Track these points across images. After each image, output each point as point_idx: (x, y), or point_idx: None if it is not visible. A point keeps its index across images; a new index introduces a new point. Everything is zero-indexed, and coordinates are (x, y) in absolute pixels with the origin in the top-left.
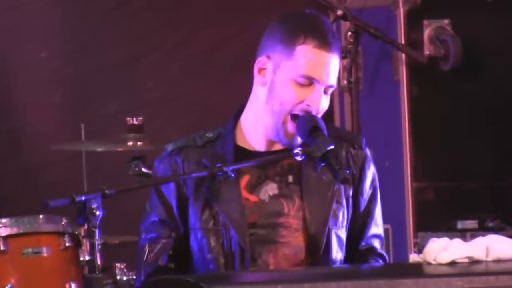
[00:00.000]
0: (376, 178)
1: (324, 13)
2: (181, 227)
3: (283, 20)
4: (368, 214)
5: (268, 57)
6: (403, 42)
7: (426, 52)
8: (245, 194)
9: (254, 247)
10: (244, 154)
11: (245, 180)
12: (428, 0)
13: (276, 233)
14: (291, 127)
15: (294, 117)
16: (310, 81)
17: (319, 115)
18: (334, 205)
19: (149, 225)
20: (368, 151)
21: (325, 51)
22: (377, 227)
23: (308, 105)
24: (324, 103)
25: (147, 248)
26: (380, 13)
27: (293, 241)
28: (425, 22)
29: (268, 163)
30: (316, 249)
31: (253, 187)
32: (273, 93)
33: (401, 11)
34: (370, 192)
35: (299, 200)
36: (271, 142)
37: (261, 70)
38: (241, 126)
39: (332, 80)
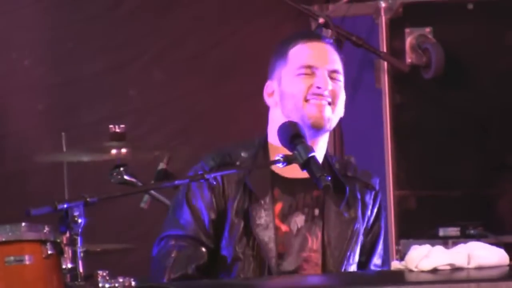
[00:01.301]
0: (384, 217)
1: (306, 21)
2: (212, 243)
3: (278, 43)
4: (373, 249)
5: (271, 78)
6: (385, 50)
7: (408, 60)
8: (278, 222)
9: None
10: (277, 179)
11: (278, 207)
12: (410, 8)
13: (299, 266)
14: (309, 109)
15: (313, 101)
16: (310, 70)
17: (335, 100)
18: (352, 244)
19: (178, 236)
20: (380, 192)
21: (315, 41)
22: (378, 259)
23: (318, 87)
24: (335, 87)
25: (174, 254)
26: (362, 21)
27: (313, 274)
28: (407, 30)
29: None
30: None
31: (285, 217)
32: (284, 99)
33: (383, 19)
34: (377, 230)
35: (321, 234)
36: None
37: (269, 94)
38: (269, 151)
39: (333, 64)
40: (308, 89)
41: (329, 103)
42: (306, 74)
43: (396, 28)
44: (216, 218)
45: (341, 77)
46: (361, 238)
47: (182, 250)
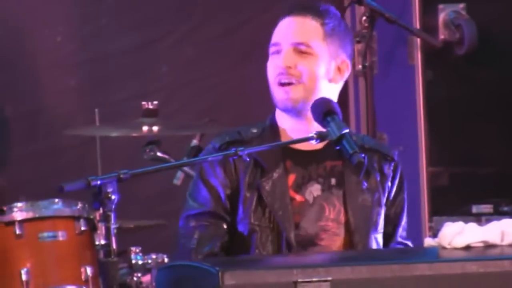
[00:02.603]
0: (406, 188)
1: None
2: (230, 217)
3: None
4: (398, 221)
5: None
6: (418, 26)
7: (441, 36)
8: (292, 193)
9: (298, 248)
10: (288, 152)
11: (291, 179)
12: None
13: (316, 236)
14: (277, 93)
15: (280, 84)
16: (276, 48)
17: (297, 79)
18: (375, 213)
19: (198, 214)
20: (400, 163)
21: (287, 16)
22: (404, 232)
23: (281, 67)
24: (302, 63)
25: (197, 235)
26: None
27: (332, 244)
28: (440, 6)
29: (308, 161)
30: None
31: (300, 187)
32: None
33: None
34: (401, 202)
35: (339, 204)
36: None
37: None
38: (278, 121)
39: (298, 37)
40: (275, 70)
41: (298, 82)
42: (274, 53)
43: (429, 4)
44: (230, 194)
45: (312, 50)
46: (383, 208)
47: (204, 230)
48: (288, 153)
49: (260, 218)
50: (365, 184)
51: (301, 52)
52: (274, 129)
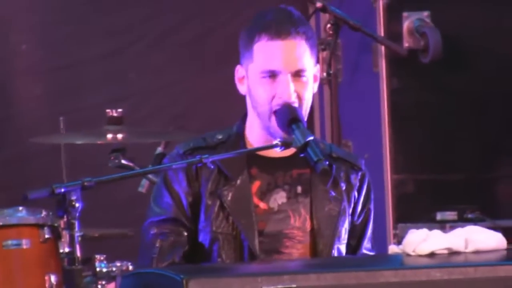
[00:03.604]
0: (372, 199)
1: (303, 5)
2: (192, 225)
3: (245, 26)
4: (364, 233)
5: (241, 64)
6: (382, 34)
7: (406, 44)
8: (256, 200)
9: (261, 255)
10: (254, 159)
11: (256, 186)
12: None
13: (280, 243)
14: (274, 121)
15: (275, 112)
16: (272, 74)
17: (298, 104)
18: (340, 222)
19: (160, 221)
20: (367, 173)
21: (278, 40)
22: (369, 243)
23: (280, 98)
24: (300, 90)
25: (159, 244)
26: (360, 5)
27: (296, 252)
28: (405, 14)
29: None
30: None
31: (264, 194)
32: (252, 97)
33: (381, 3)
34: (366, 212)
35: (305, 212)
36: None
37: (239, 79)
38: (245, 131)
39: (296, 64)
40: (271, 98)
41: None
42: (269, 77)
43: (394, 12)
44: (192, 201)
45: (307, 72)
46: (348, 218)
47: (165, 238)
48: (255, 160)
49: (222, 226)
50: (332, 193)
51: (297, 76)
52: (240, 136)
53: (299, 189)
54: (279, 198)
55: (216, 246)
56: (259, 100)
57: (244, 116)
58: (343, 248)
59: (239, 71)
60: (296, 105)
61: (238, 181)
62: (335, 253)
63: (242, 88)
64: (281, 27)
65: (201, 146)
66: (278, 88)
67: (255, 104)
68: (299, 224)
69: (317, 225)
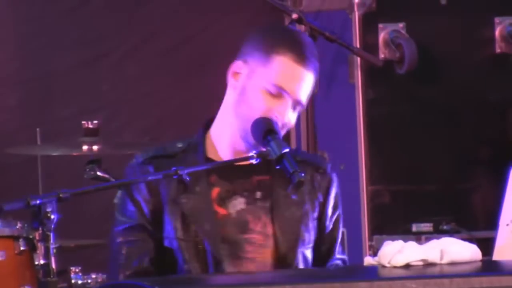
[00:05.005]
0: (341, 203)
1: (280, 16)
2: (156, 233)
3: (267, 29)
4: (334, 238)
5: (245, 61)
6: (358, 45)
7: (382, 55)
8: (215, 207)
9: (225, 261)
10: (216, 167)
11: (215, 192)
12: (383, 3)
13: (241, 248)
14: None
15: (252, 123)
16: (280, 92)
17: (283, 130)
18: (303, 226)
19: (125, 230)
20: (334, 176)
21: (301, 66)
22: (340, 248)
23: (276, 116)
24: (291, 118)
25: (125, 251)
26: (336, 16)
27: (259, 257)
28: (380, 25)
29: (235, 175)
30: (284, 267)
31: (223, 201)
32: (243, 97)
33: (356, 14)
34: (335, 217)
35: (266, 217)
36: (238, 153)
37: (235, 73)
38: (210, 138)
39: (303, 96)
40: (266, 111)
41: (281, 128)
42: (274, 95)
43: (370, 23)
44: (153, 209)
45: (301, 108)
46: (314, 222)
47: (131, 245)
48: (214, 168)
49: (185, 233)
50: (294, 196)
51: (294, 106)
52: (199, 144)
53: (258, 194)
54: (238, 204)
55: (180, 253)
56: (253, 106)
57: (209, 121)
58: (308, 253)
59: (240, 66)
60: (283, 129)
61: (197, 188)
62: (300, 257)
63: (233, 83)
64: (306, 54)
65: (160, 155)
66: (279, 107)
67: (243, 105)
68: (259, 228)
69: (279, 229)
